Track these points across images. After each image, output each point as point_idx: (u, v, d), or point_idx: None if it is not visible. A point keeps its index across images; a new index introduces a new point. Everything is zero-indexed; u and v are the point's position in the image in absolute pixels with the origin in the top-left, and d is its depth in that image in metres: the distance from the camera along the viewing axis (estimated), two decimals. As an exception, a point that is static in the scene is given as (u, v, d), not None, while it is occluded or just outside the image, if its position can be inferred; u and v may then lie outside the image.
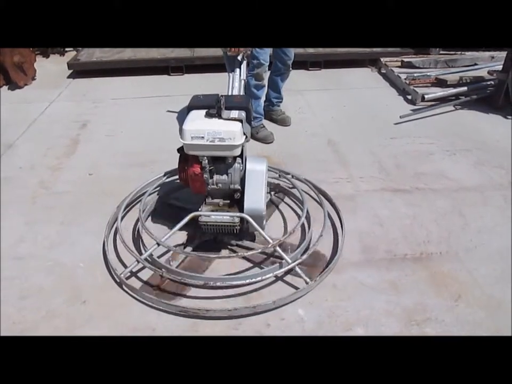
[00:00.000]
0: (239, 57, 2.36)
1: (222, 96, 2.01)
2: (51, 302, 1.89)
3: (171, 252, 2.11)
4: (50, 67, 4.62)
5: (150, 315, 1.84)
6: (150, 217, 2.39)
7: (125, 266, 2.03)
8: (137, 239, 2.24)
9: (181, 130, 1.95)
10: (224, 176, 2.07)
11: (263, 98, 3.35)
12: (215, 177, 2.07)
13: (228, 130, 1.92)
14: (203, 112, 2.00)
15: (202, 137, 1.92)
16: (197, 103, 2.07)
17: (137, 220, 2.28)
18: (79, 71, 4.63)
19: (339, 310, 1.86)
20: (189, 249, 2.10)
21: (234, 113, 1.98)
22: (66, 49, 5.28)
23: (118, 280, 1.97)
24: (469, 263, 2.10)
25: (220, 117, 1.95)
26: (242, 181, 2.07)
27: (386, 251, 2.18)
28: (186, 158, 2.06)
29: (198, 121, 1.97)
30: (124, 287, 1.95)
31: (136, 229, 2.31)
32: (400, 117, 3.49)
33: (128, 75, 4.53)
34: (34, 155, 3.05)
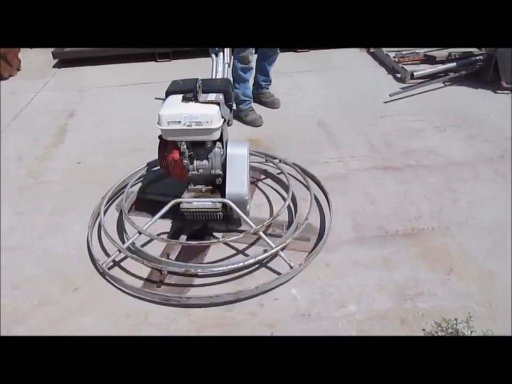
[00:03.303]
0: None
1: (201, 80, 1.98)
2: (42, 290, 1.88)
3: (162, 244, 2.08)
4: (35, 57, 4.53)
5: (142, 300, 1.83)
6: (134, 209, 2.34)
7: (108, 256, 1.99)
8: (121, 229, 2.20)
9: None
10: (205, 161, 2.03)
11: (251, 80, 3.31)
12: (195, 162, 2.03)
13: (204, 114, 1.87)
14: (180, 96, 1.96)
15: (179, 121, 1.88)
16: (175, 88, 2.03)
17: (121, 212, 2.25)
18: (64, 60, 4.55)
19: (332, 288, 1.87)
20: (182, 238, 2.06)
21: (211, 96, 1.94)
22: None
23: (101, 270, 1.94)
24: (460, 237, 2.11)
25: (196, 100, 1.91)
26: (224, 166, 2.03)
27: (378, 228, 2.18)
28: (165, 144, 2.03)
29: (174, 106, 1.93)
30: (106, 277, 1.93)
31: (120, 220, 2.26)
32: (389, 95, 3.47)
33: (114, 63, 4.46)
34: (21, 146, 3.00)
